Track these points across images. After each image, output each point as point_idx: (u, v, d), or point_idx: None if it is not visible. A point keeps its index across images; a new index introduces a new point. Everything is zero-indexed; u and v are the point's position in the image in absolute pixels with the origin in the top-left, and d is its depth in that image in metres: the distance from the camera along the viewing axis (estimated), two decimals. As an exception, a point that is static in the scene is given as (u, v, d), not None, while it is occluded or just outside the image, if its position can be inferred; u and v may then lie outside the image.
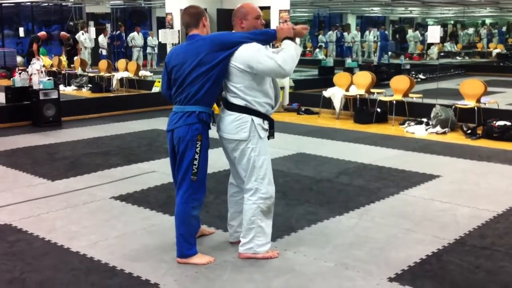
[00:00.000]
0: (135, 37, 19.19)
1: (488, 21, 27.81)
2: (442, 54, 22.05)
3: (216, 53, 3.64)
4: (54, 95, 9.45)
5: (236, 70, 3.68)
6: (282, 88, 10.88)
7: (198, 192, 3.78)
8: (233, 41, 3.69)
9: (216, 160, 6.77)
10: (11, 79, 11.06)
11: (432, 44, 22.06)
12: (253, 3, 3.98)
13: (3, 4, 21.38)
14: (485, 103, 9.11)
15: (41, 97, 9.25)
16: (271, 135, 3.85)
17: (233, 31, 3.90)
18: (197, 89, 3.66)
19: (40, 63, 10.78)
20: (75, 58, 16.47)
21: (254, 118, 3.73)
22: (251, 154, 3.75)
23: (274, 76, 3.77)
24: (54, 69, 16.09)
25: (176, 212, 3.81)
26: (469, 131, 8.45)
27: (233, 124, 3.74)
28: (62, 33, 18.17)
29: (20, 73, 10.33)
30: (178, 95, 3.75)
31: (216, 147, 7.10)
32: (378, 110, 9.73)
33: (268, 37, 3.79)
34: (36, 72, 9.59)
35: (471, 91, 9.13)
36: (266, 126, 3.79)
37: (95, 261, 3.90)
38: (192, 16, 3.82)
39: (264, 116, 3.78)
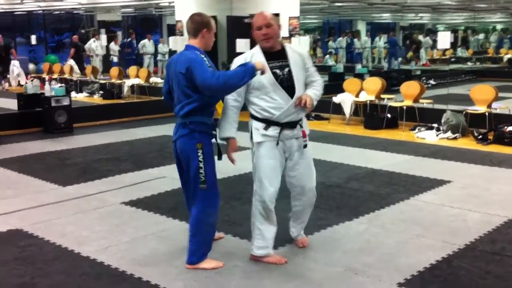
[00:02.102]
0: (146, 44, 19.31)
1: (498, 26, 27.69)
2: (453, 59, 21.99)
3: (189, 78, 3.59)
4: (66, 102, 9.52)
5: None
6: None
7: (211, 198, 3.78)
8: (200, 82, 3.51)
9: (226, 166, 6.77)
10: (23, 86, 11.18)
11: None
12: (263, 10, 4.00)
13: (15, 13, 21.59)
14: (496, 109, 9.07)
15: (53, 104, 9.33)
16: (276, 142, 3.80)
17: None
18: (184, 104, 3.65)
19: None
20: (67, 62, 16.95)
21: (254, 122, 3.82)
22: (253, 158, 3.88)
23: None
24: (66, 76, 16.22)
25: (191, 222, 3.81)
26: (480, 137, 8.41)
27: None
28: (74, 36, 18.67)
29: (32, 80, 10.44)
30: (174, 106, 3.77)
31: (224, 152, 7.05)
32: (389, 115, 9.71)
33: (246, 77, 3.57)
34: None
35: (482, 96, 9.09)
36: (269, 131, 3.77)
37: (105, 266, 3.93)
38: (193, 24, 3.75)
39: (266, 122, 3.77)
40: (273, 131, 3.78)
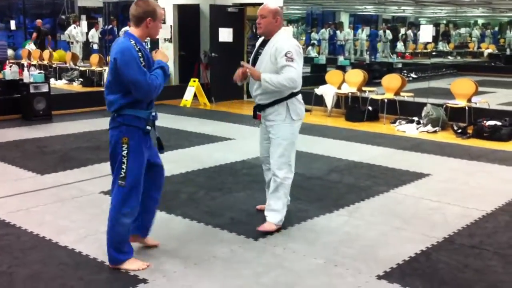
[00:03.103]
0: (127, 32, 19.10)
1: (480, 21, 27.92)
2: (434, 53, 22.14)
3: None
4: (45, 89, 9.40)
5: None
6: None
7: (129, 198, 3.56)
8: (130, 81, 3.36)
9: (207, 157, 6.74)
10: (2, 72, 11.00)
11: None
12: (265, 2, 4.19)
13: (-6, -3, 21.23)
14: (476, 103, 9.14)
15: (32, 91, 9.20)
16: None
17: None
18: (112, 99, 3.52)
19: None
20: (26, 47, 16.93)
21: None
22: None
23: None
24: (45, 62, 16.00)
25: (108, 216, 3.65)
26: (460, 131, 8.48)
27: None
28: (38, 20, 18.56)
29: (10, 66, 10.27)
30: (106, 97, 3.61)
31: (207, 143, 7.06)
32: (370, 108, 9.74)
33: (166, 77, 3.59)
34: None
35: (462, 90, 9.16)
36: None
37: (83, 255, 3.88)
38: (136, 12, 3.45)
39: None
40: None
